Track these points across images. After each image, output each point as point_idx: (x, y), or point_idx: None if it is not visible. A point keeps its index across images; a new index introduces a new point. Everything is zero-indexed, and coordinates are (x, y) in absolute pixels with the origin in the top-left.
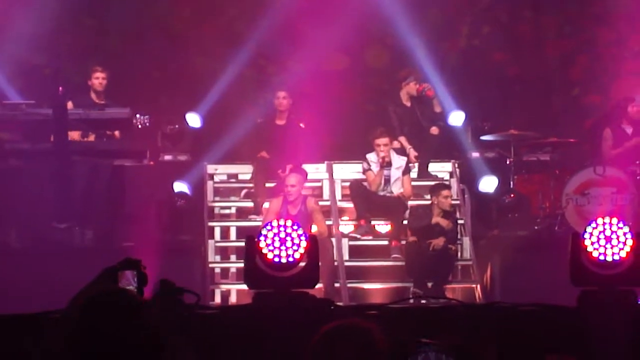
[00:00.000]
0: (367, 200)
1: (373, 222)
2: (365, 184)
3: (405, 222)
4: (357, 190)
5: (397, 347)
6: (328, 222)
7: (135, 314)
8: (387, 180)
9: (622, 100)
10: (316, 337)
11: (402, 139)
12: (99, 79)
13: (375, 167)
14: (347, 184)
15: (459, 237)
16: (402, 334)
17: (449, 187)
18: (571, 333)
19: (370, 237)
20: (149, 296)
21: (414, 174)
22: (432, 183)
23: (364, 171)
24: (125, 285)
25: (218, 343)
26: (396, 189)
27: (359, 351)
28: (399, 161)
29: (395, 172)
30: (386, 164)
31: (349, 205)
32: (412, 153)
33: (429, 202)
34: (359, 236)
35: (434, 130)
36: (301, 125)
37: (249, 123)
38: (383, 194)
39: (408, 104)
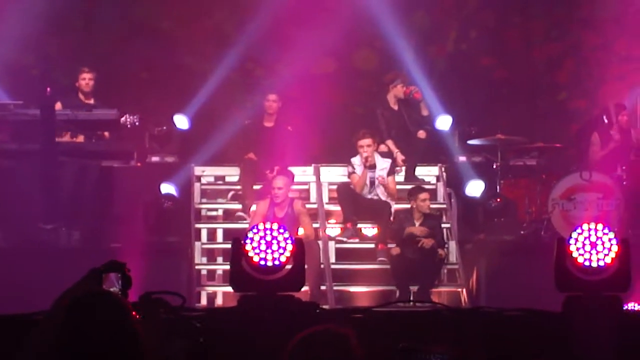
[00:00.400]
0: (354, 203)
1: (359, 225)
2: (352, 186)
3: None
4: (344, 193)
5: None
6: (315, 225)
7: (119, 315)
8: (373, 183)
9: (611, 107)
10: (293, 342)
11: (389, 142)
12: (85, 79)
13: (359, 170)
14: (335, 187)
15: (445, 240)
16: (388, 337)
17: (426, 190)
18: (556, 338)
19: (357, 240)
20: (133, 299)
21: (400, 177)
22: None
23: (349, 175)
24: (109, 287)
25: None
26: (381, 191)
27: (336, 357)
28: (383, 163)
29: (380, 174)
30: (370, 166)
31: (336, 208)
32: (400, 157)
33: (409, 206)
34: (345, 239)
35: (421, 134)
36: (289, 128)
37: (237, 125)
38: (370, 197)
39: (395, 107)
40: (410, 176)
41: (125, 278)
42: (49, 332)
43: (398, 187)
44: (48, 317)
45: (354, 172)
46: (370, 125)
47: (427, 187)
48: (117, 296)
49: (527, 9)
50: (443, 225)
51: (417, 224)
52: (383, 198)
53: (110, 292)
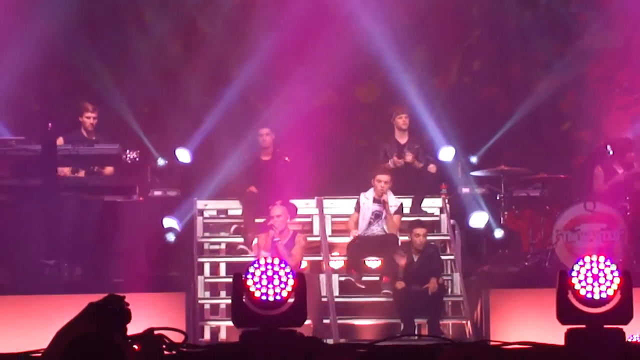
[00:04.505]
0: (361, 250)
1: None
2: (352, 232)
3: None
4: (351, 248)
5: None
6: (318, 258)
7: (117, 355)
8: (379, 216)
9: (620, 142)
10: None
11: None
12: (90, 118)
13: (367, 203)
14: (338, 219)
15: (449, 272)
16: None
17: (423, 224)
18: None
19: (363, 287)
20: (131, 333)
21: (406, 209)
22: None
23: (355, 209)
24: (107, 322)
25: None
26: (386, 225)
27: None
28: (394, 200)
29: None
30: (380, 201)
31: (339, 240)
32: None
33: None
34: (352, 279)
35: (432, 168)
36: (286, 159)
37: (239, 159)
38: (374, 233)
39: (401, 140)
40: (416, 208)
41: (123, 312)
42: None
43: (404, 219)
44: (45, 356)
45: (357, 213)
46: (374, 158)
47: (430, 219)
48: (110, 339)
49: (529, 41)
50: (446, 257)
51: (415, 257)
52: (387, 231)
53: (104, 335)
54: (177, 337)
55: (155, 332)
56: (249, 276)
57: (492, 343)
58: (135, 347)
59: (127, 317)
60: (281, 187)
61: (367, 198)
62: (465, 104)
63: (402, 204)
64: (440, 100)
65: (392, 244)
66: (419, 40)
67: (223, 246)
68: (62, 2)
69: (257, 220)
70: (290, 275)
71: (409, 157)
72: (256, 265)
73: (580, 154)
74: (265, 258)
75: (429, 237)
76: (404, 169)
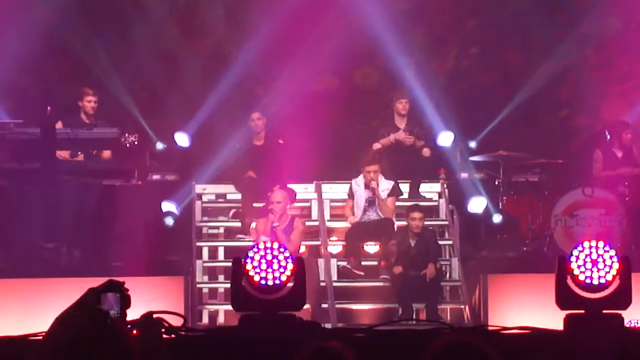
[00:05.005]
0: (358, 236)
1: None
2: (351, 218)
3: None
4: (349, 235)
5: None
6: (316, 242)
7: (115, 339)
8: (373, 202)
9: (616, 124)
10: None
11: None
12: (91, 102)
13: (360, 191)
14: (336, 204)
15: (447, 257)
16: (390, 356)
17: (420, 208)
18: (558, 356)
19: (362, 273)
20: (134, 317)
21: (405, 194)
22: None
23: (349, 196)
24: (108, 307)
25: None
26: (380, 210)
27: None
28: (385, 184)
29: (381, 194)
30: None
31: (338, 225)
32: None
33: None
34: (350, 267)
35: (426, 152)
36: (280, 141)
37: (233, 146)
38: (371, 219)
39: (400, 124)
40: (414, 193)
41: (123, 298)
42: (45, 354)
43: (401, 204)
44: (44, 340)
45: (351, 200)
46: (372, 143)
47: (428, 204)
48: (113, 319)
49: (528, 26)
50: (445, 242)
51: (412, 242)
52: (382, 216)
53: (107, 314)
54: (176, 321)
55: (154, 315)
56: (249, 260)
57: (490, 328)
58: (135, 331)
59: (127, 302)
60: (279, 172)
61: (358, 185)
62: (464, 89)
63: (395, 184)
64: (439, 86)
65: (388, 228)
66: (418, 25)
67: (222, 230)
68: None
69: (255, 205)
70: (289, 260)
71: (409, 139)
72: (255, 249)
73: (579, 140)
74: (264, 242)
75: (427, 222)
76: (401, 151)
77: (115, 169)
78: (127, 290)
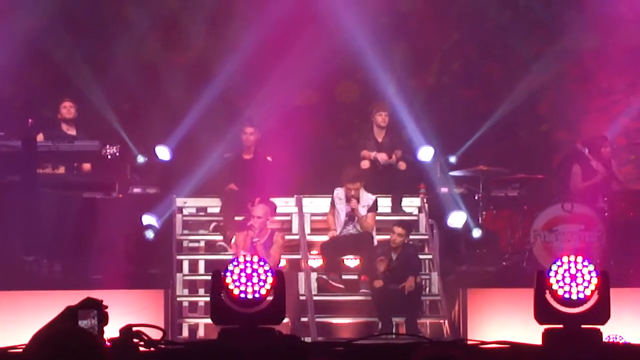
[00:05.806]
0: (336, 250)
1: (342, 257)
2: (331, 232)
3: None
4: (327, 248)
5: None
6: (297, 256)
7: (92, 356)
8: (352, 217)
9: (595, 139)
10: None
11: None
12: (66, 107)
13: (341, 204)
14: (317, 217)
15: (427, 272)
16: None
17: (402, 224)
18: None
19: (342, 287)
20: (114, 331)
21: (387, 209)
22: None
23: (330, 208)
24: (85, 325)
25: None
26: (360, 225)
27: None
28: (367, 200)
29: (361, 210)
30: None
31: (319, 239)
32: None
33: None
34: (330, 281)
35: (402, 165)
36: (268, 158)
37: (218, 157)
38: (350, 232)
39: (379, 138)
40: (396, 207)
41: (101, 315)
42: None
43: (383, 218)
44: (23, 353)
45: (333, 209)
46: (353, 157)
47: (408, 218)
48: (90, 335)
49: (508, 41)
50: (424, 257)
51: (393, 256)
52: (361, 230)
53: (83, 330)
54: (155, 334)
55: (134, 328)
56: (228, 274)
57: (469, 342)
58: (111, 347)
59: (104, 319)
60: (261, 186)
61: (340, 198)
62: (445, 104)
63: (376, 200)
64: (420, 100)
65: (367, 242)
66: (399, 39)
67: (202, 244)
68: None
69: (236, 218)
70: (269, 273)
71: (386, 156)
72: (235, 262)
73: (559, 155)
74: (244, 256)
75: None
76: (382, 167)
77: (96, 182)
78: (106, 307)
